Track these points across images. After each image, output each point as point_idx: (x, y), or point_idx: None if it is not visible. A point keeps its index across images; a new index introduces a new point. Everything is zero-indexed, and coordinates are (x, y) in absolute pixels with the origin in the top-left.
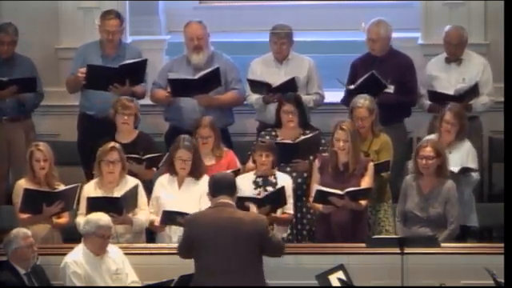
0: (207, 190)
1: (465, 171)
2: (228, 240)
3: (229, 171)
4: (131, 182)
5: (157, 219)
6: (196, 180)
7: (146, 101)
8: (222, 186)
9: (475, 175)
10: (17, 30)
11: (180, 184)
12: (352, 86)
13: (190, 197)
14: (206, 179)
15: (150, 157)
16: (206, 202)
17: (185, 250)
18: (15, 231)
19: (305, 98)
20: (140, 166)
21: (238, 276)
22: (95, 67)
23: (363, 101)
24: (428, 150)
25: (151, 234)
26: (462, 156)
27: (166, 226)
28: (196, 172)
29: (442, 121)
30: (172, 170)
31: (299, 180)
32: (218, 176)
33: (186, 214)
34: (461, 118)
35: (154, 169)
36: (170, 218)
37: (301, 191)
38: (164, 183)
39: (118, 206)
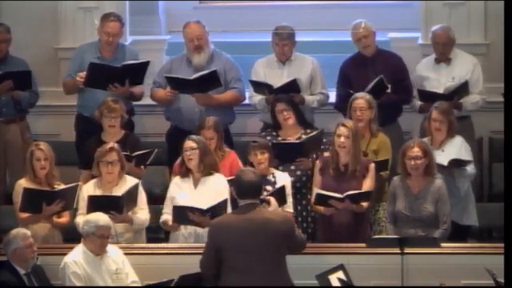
0: (229, 189)
1: (456, 164)
2: (258, 241)
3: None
4: (130, 181)
5: (170, 219)
6: (209, 176)
7: (147, 101)
8: (249, 191)
9: (470, 168)
10: (8, 28)
11: (196, 183)
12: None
13: (207, 195)
14: (218, 176)
15: (140, 154)
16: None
17: (211, 259)
18: (14, 231)
19: (308, 98)
20: (130, 163)
21: (266, 276)
22: (98, 65)
23: (363, 94)
24: (416, 151)
25: (151, 233)
26: (456, 150)
27: (179, 225)
28: (207, 168)
29: (431, 120)
30: (185, 172)
31: (304, 178)
32: (245, 179)
33: (197, 208)
34: (448, 114)
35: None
36: (181, 214)
37: (305, 189)
38: (179, 183)
39: (118, 205)
